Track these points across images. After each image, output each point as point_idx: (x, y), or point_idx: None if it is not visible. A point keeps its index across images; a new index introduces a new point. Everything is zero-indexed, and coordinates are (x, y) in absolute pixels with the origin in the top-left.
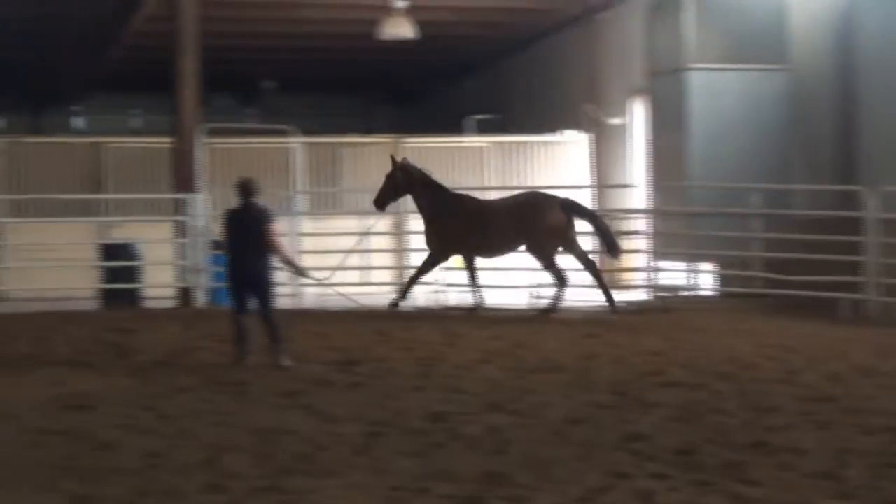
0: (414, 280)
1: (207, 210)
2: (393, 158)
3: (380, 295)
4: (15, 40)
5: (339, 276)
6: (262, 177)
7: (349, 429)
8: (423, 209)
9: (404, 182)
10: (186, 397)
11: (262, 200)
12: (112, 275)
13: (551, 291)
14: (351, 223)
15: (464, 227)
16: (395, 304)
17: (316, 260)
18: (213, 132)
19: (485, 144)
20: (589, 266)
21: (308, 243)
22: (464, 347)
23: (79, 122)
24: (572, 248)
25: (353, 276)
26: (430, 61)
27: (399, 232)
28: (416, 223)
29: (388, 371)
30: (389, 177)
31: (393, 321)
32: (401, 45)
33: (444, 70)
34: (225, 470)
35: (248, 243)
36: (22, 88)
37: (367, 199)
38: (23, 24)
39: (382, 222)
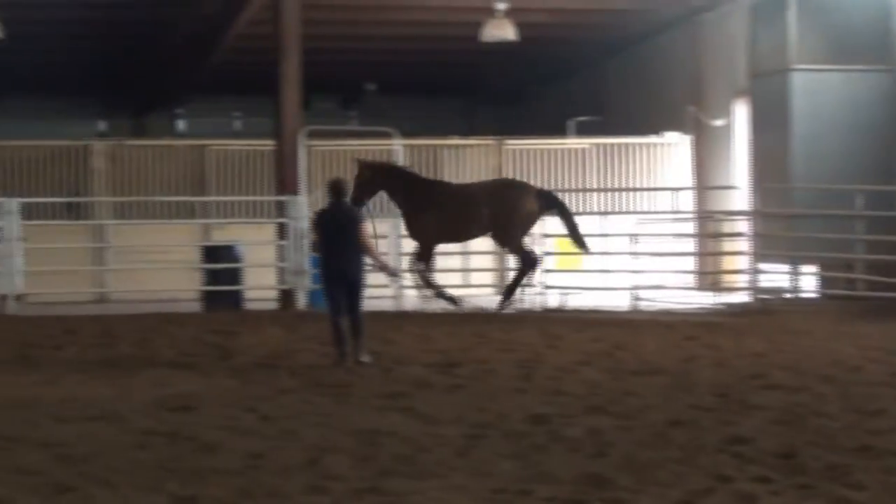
0: (426, 280)
1: (309, 212)
2: (358, 161)
3: (481, 296)
4: (120, 44)
5: (440, 278)
6: None
7: (450, 431)
8: (400, 202)
9: (376, 180)
10: (288, 399)
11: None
12: (214, 277)
13: (652, 293)
14: None
15: (444, 213)
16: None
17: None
18: (315, 135)
19: (586, 146)
20: (525, 259)
21: (408, 244)
22: (564, 349)
23: (182, 124)
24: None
25: (454, 278)
26: (531, 63)
27: None
28: None
29: (488, 373)
30: (357, 179)
31: (492, 323)
32: (502, 47)
33: (545, 72)
34: (326, 471)
35: (340, 243)
36: (125, 92)
37: None
38: (128, 28)
39: None
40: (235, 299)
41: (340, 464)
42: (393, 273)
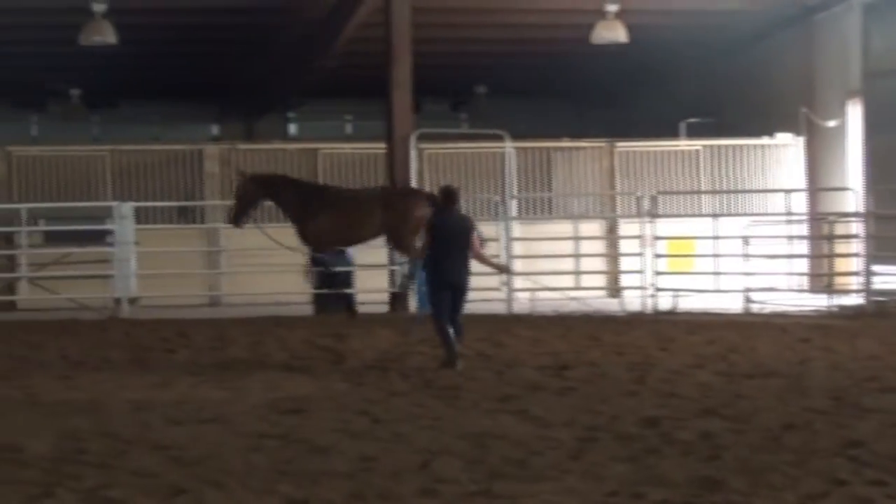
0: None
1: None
2: (240, 173)
3: (593, 299)
4: (233, 49)
5: (552, 281)
6: (474, 181)
7: (562, 433)
8: (289, 210)
9: (258, 192)
10: (399, 402)
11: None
12: (326, 280)
13: (764, 295)
14: (563, 227)
15: (336, 217)
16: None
17: (527, 265)
18: (426, 137)
19: (698, 148)
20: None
21: (519, 248)
22: (676, 352)
23: (294, 128)
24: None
25: (566, 281)
26: (641, 65)
27: (611, 236)
28: (627, 227)
29: (600, 375)
30: (239, 191)
31: (604, 325)
32: (613, 49)
33: (655, 73)
34: (438, 474)
35: (452, 250)
36: (238, 96)
37: (579, 204)
38: (240, 33)
39: (594, 227)
40: (347, 303)
41: (452, 467)
42: (507, 270)
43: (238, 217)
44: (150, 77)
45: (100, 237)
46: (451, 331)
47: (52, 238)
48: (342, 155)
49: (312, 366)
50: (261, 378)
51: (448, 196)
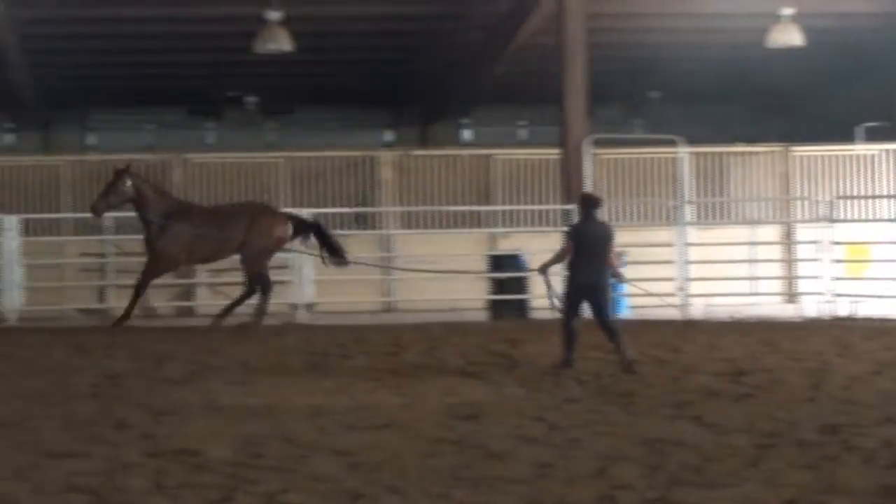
0: (137, 295)
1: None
2: (122, 168)
3: (769, 305)
4: (406, 56)
5: (728, 287)
6: (649, 187)
7: (739, 440)
8: (150, 220)
9: (129, 191)
10: (575, 408)
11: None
12: (500, 286)
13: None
14: (738, 233)
15: (197, 234)
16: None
17: (703, 270)
18: (600, 143)
19: (875, 152)
20: (264, 284)
21: (695, 254)
22: (854, 358)
23: (467, 134)
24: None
25: (742, 287)
26: (817, 68)
27: (788, 241)
28: (805, 232)
29: (777, 382)
30: (114, 183)
31: (781, 331)
32: (788, 53)
33: (831, 77)
34: (615, 481)
35: (594, 256)
36: (412, 102)
37: (756, 209)
38: (413, 39)
39: (770, 232)
40: (521, 309)
41: (629, 473)
42: (621, 277)
43: (98, 207)
44: (324, 84)
45: None
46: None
47: None
48: (515, 161)
49: (488, 371)
50: (436, 383)
51: (589, 203)
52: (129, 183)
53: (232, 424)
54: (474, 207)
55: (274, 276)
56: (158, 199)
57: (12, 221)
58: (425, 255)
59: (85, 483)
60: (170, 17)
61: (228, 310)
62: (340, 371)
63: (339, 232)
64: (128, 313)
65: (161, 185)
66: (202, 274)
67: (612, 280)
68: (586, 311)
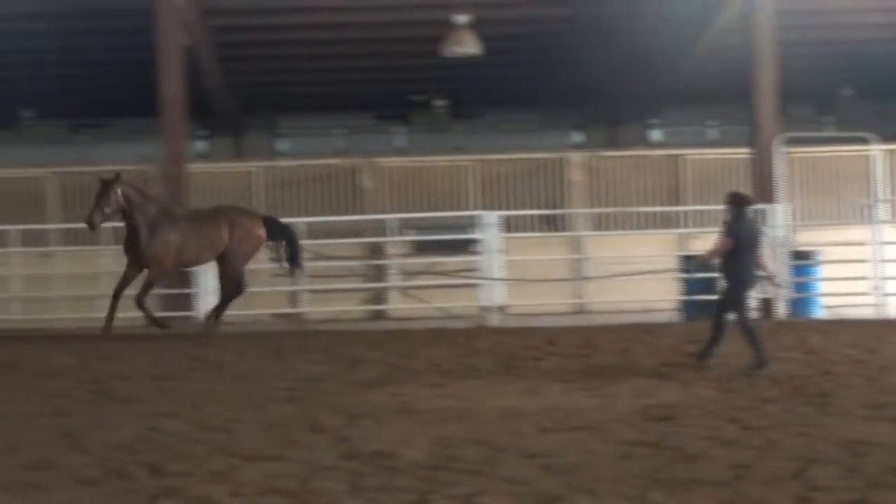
0: (141, 301)
1: (788, 220)
2: (111, 178)
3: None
4: (594, 57)
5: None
6: (841, 185)
7: None
8: (139, 227)
9: (121, 200)
10: (771, 408)
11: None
12: (692, 286)
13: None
14: None
15: (186, 238)
16: None
17: None
18: (792, 142)
19: None
20: (238, 285)
21: (890, 252)
22: None
23: (656, 134)
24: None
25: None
26: None
27: None
28: None
29: None
30: (105, 194)
31: None
32: None
33: None
34: (813, 482)
35: (749, 253)
36: (600, 103)
37: None
38: (600, 40)
39: None
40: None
41: (827, 475)
42: (775, 282)
43: (94, 217)
44: (512, 86)
45: (466, 246)
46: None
47: (420, 247)
48: (705, 161)
49: (680, 373)
50: (629, 385)
51: (742, 201)
52: (119, 192)
53: (426, 427)
54: (664, 208)
55: (465, 279)
56: (145, 205)
57: None
58: (616, 256)
59: (281, 486)
60: (358, 23)
61: (217, 314)
62: (532, 373)
63: (529, 234)
64: (108, 324)
65: (144, 189)
66: (394, 278)
67: (763, 278)
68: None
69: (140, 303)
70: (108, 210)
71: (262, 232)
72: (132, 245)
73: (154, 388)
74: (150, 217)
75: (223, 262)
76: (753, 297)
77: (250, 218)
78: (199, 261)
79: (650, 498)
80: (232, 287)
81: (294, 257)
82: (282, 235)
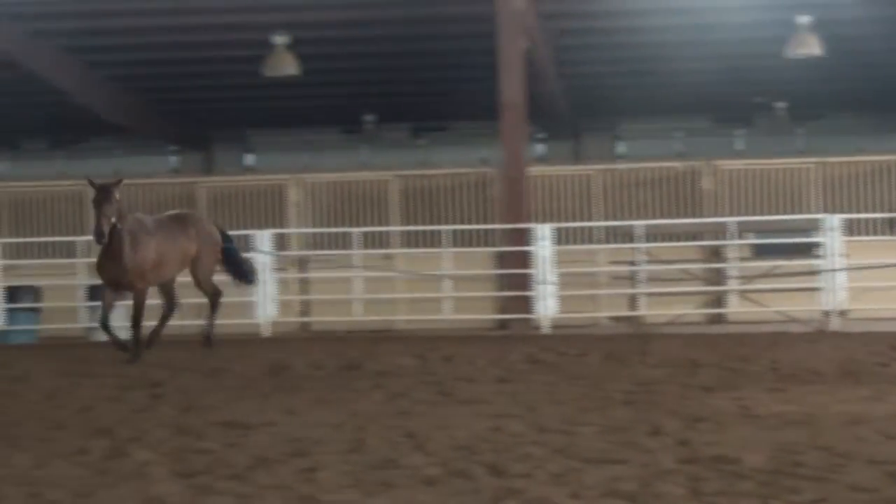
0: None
1: None
2: (112, 183)
3: None
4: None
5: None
6: None
7: None
8: (123, 239)
9: (122, 206)
10: None
11: None
12: None
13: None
14: None
15: (162, 247)
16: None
17: None
18: None
19: None
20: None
21: None
22: None
23: None
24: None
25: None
26: None
27: None
28: None
29: None
30: (109, 201)
31: None
32: None
33: None
34: None
35: None
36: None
37: None
38: None
39: None
40: None
41: None
42: None
43: (103, 228)
44: (853, 88)
45: (808, 250)
46: None
47: (760, 251)
48: None
49: None
50: None
51: None
52: (118, 197)
53: (767, 432)
54: None
55: (804, 282)
56: (124, 214)
57: (545, 230)
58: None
59: (622, 488)
60: (703, 24)
61: (209, 324)
62: (876, 378)
63: (872, 238)
64: (138, 349)
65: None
66: (733, 281)
67: None
68: None
69: (138, 324)
70: (113, 219)
71: (219, 241)
72: (111, 261)
73: (494, 390)
74: (129, 226)
75: (198, 270)
76: None
77: (209, 223)
78: (172, 272)
79: None
80: (212, 293)
81: (240, 271)
82: (229, 243)
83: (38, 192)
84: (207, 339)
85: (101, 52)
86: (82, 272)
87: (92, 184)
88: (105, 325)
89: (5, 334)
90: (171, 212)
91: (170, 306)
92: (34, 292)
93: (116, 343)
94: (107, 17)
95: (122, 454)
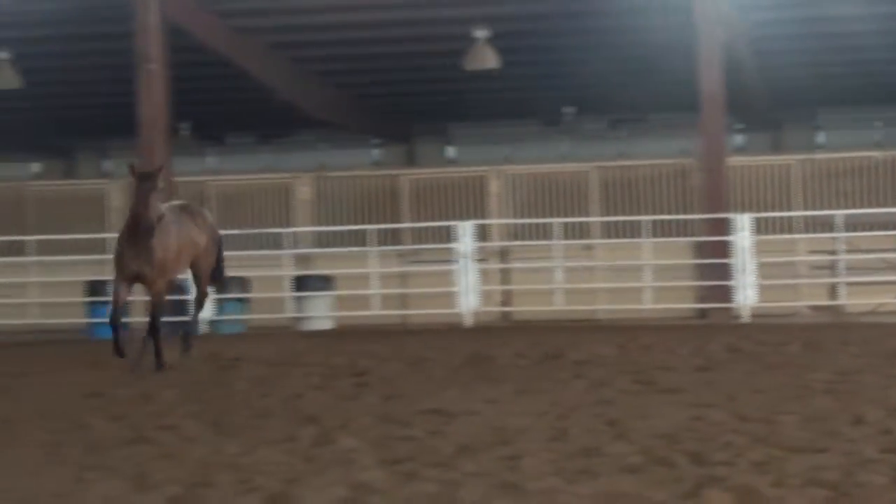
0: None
1: None
2: (154, 170)
3: None
4: None
5: None
6: None
7: None
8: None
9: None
10: None
11: None
12: None
13: None
14: None
15: (182, 238)
16: None
17: None
18: None
19: None
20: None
21: None
22: None
23: None
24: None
25: None
26: None
27: None
28: None
29: None
30: (153, 189)
31: None
32: None
33: None
34: None
35: None
36: None
37: None
38: None
39: None
40: None
41: None
42: None
43: (150, 220)
44: None
45: None
46: None
47: None
48: None
49: None
50: None
51: None
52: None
53: None
54: None
55: None
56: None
57: (745, 220)
58: None
59: (825, 478)
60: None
61: (193, 322)
62: None
63: None
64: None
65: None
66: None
67: None
68: None
69: (157, 326)
70: (160, 206)
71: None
72: (138, 255)
73: (694, 379)
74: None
75: (199, 262)
76: None
77: (210, 219)
78: (184, 271)
79: None
80: (201, 299)
81: (219, 268)
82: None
83: (244, 185)
84: (187, 339)
85: (306, 47)
86: (288, 263)
87: (133, 171)
88: (115, 324)
89: (217, 324)
90: (176, 202)
91: (200, 300)
92: (242, 283)
93: (120, 347)
94: (311, 13)
95: (328, 441)
